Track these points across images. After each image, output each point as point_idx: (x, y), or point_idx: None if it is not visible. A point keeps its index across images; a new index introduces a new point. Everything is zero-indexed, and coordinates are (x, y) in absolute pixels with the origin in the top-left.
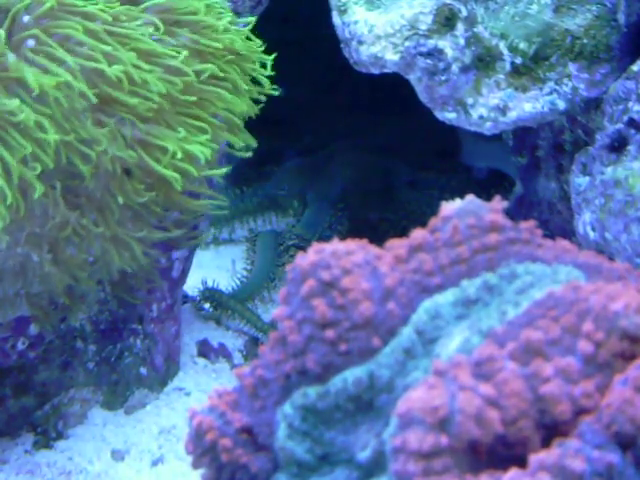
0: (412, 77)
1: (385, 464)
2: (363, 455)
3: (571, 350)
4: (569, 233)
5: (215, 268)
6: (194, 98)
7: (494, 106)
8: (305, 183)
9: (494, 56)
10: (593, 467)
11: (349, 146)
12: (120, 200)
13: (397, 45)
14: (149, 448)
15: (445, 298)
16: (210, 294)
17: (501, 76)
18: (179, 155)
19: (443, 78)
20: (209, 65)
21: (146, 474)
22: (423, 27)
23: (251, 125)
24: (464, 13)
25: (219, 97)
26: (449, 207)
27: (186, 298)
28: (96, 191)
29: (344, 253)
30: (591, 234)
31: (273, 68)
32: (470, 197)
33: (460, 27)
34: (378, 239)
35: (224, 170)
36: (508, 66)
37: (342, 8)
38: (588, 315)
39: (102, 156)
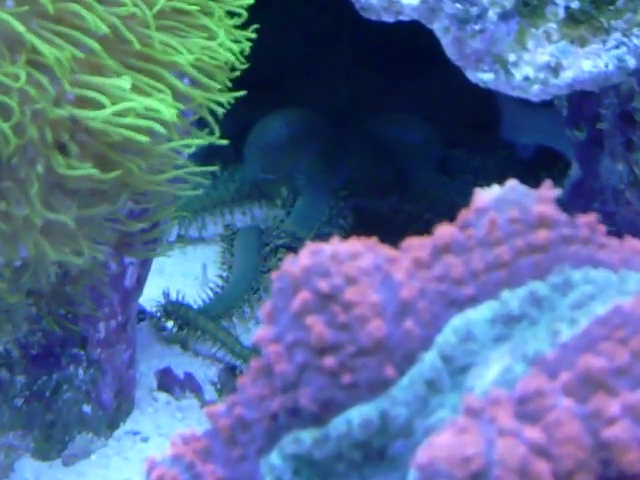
0: (436, 26)
1: None
2: None
3: None
4: None
5: (180, 275)
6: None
7: (543, 64)
8: (296, 164)
9: None
10: None
11: (353, 116)
12: (44, 172)
13: None
14: None
15: (480, 314)
16: (174, 309)
17: (553, 25)
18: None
19: (477, 28)
20: None
21: None
22: None
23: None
24: None
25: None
26: (485, 196)
27: (143, 314)
28: (20, 169)
29: (347, 256)
30: None
31: (258, 15)
32: (512, 182)
33: None
34: (392, 237)
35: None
36: (562, 12)
37: None
38: None
39: (25, 119)
